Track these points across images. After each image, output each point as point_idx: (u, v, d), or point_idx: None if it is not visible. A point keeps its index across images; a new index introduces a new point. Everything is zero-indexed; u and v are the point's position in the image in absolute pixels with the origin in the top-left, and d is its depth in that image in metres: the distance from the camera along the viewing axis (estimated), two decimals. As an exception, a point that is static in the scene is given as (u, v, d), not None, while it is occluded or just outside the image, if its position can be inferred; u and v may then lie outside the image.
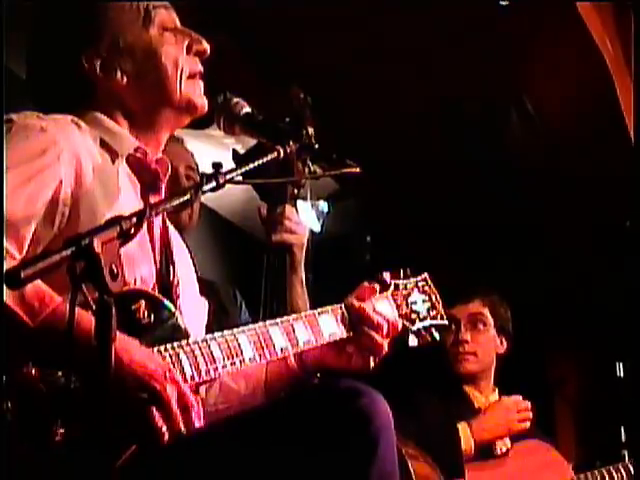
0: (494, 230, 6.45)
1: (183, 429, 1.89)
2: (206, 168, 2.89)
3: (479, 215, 6.33)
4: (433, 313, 2.60)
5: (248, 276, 3.19)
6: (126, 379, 1.83)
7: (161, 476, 1.91)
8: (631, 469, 4.15)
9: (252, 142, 2.78)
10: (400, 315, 2.52)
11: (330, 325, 2.35)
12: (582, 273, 6.84)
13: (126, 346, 1.86)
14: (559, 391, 7.99)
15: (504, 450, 4.15)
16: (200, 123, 2.36)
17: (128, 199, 2.15)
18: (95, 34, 2.25)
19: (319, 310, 2.37)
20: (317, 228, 6.03)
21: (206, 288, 2.47)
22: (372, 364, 2.39)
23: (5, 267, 1.71)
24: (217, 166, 2.68)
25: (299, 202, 3.20)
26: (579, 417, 7.56)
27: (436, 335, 2.59)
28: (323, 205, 6.09)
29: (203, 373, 2.04)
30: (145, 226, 2.08)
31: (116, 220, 1.70)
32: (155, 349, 1.98)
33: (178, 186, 2.91)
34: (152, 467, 1.89)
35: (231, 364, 2.10)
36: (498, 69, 4.95)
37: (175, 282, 2.25)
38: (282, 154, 2.14)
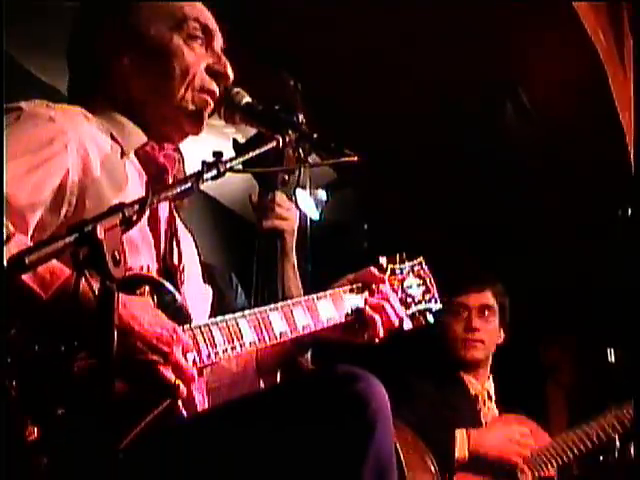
0: (491, 218, 6.45)
1: (196, 381, 1.92)
2: (207, 157, 2.88)
3: (476, 204, 6.34)
4: (428, 297, 2.62)
5: (246, 262, 3.19)
6: (135, 344, 1.84)
7: (163, 458, 1.91)
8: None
9: (252, 131, 2.78)
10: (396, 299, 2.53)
11: (328, 310, 2.36)
12: (576, 261, 6.85)
13: (133, 311, 1.86)
14: (552, 376, 8.01)
15: None
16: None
17: (134, 190, 2.15)
18: (121, 17, 2.28)
19: (318, 295, 2.37)
20: (316, 216, 6.03)
21: (203, 271, 2.46)
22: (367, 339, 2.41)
23: (9, 248, 1.72)
24: (218, 155, 2.67)
25: (298, 190, 3.20)
26: (571, 402, 7.58)
27: (430, 318, 2.60)
28: (322, 193, 6.08)
29: (204, 357, 2.05)
30: (148, 213, 2.09)
31: (119, 207, 1.69)
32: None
33: None
34: (154, 449, 1.89)
35: (232, 348, 2.11)
36: (493, 63, 4.95)
37: (181, 269, 2.25)
38: (281, 143, 2.14)
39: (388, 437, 1.94)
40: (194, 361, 2.03)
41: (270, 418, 1.93)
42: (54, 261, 1.84)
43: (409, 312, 2.56)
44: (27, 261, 1.52)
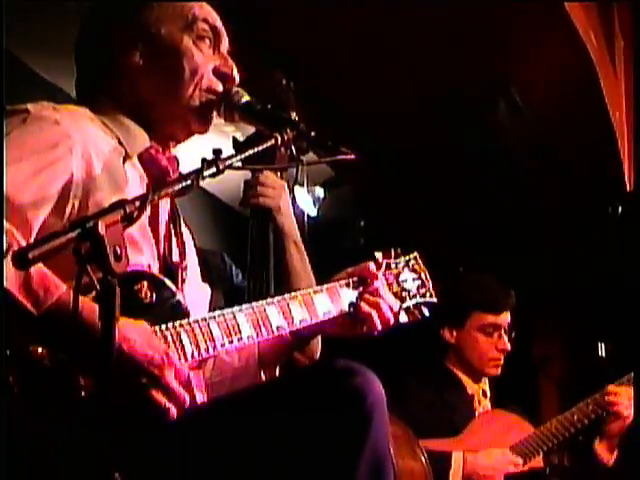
0: (486, 214, 6.46)
1: (186, 403, 1.90)
2: (207, 154, 2.88)
3: (472, 200, 6.34)
4: (423, 291, 2.61)
5: (245, 257, 3.17)
6: (127, 365, 1.83)
7: (165, 452, 1.91)
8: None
9: (252, 130, 2.77)
10: (392, 293, 2.52)
11: (325, 304, 2.36)
12: (568, 258, 6.86)
13: (126, 334, 1.86)
14: (544, 370, 8.02)
15: None
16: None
17: (135, 193, 2.13)
18: (133, 16, 2.26)
19: (314, 289, 2.37)
20: (313, 213, 6.04)
21: (197, 256, 2.46)
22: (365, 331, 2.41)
23: (10, 252, 1.71)
24: (217, 152, 2.67)
25: (296, 188, 3.18)
26: (563, 395, 7.58)
27: (425, 312, 2.60)
28: (319, 191, 6.09)
29: (203, 351, 2.04)
30: (149, 212, 2.09)
31: (120, 204, 1.69)
32: (157, 328, 1.98)
33: None
34: (155, 444, 1.89)
35: (230, 342, 2.10)
36: (487, 63, 4.95)
37: (183, 266, 2.25)
38: (279, 141, 2.13)
39: (384, 430, 1.94)
40: (192, 355, 2.02)
41: (269, 411, 1.93)
42: (49, 274, 1.84)
43: (404, 306, 2.56)
44: (30, 256, 1.52)
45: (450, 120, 5.46)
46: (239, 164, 2.04)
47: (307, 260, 3.04)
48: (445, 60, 4.89)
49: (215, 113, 2.29)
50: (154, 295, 2.02)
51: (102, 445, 1.64)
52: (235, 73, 2.30)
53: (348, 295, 2.41)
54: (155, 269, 2.15)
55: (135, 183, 2.16)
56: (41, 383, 1.79)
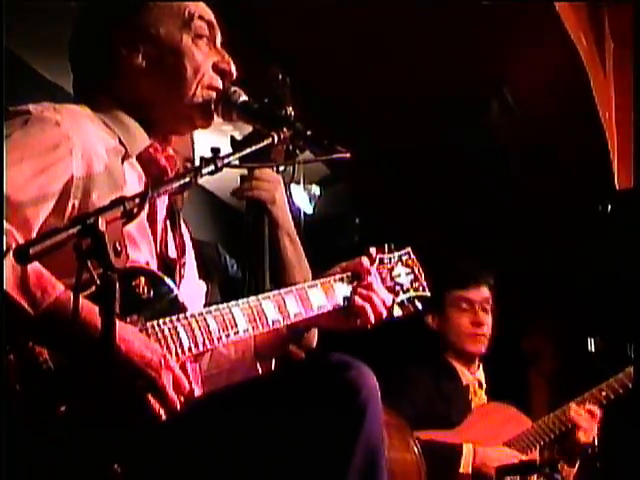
0: (477, 211, 6.47)
1: (178, 409, 1.91)
2: (205, 153, 2.88)
3: (464, 197, 6.35)
4: (416, 285, 2.62)
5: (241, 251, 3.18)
6: (124, 367, 1.84)
7: (161, 445, 1.91)
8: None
9: (249, 128, 2.78)
10: (385, 288, 2.53)
11: (319, 298, 2.36)
12: (558, 252, 6.87)
13: (124, 335, 1.86)
14: (534, 365, 8.03)
15: None
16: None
17: (134, 192, 2.13)
18: (133, 17, 2.24)
19: (309, 284, 2.38)
20: (309, 210, 6.05)
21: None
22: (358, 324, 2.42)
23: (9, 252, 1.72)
24: (215, 151, 2.67)
25: (292, 185, 3.18)
26: (553, 389, 7.59)
27: (419, 306, 2.61)
28: (315, 189, 6.10)
29: (200, 345, 2.05)
30: (147, 210, 2.09)
31: (120, 200, 1.70)
32: (154, 322, 1.99)
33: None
34: (152, 436, 1.90)
35: (226, 336, 2.11)
36: (480, 63, 4.95)
37: (181, 263, 2.26)
38: (276, 140, 2.14)
39: (378, 423, 1.94)
40: (190, 349, 2.03)
41: (265, 404, 1.93)
42: (47, 275, 1.85)
43: (398, 300, 2.56)
44: (31, 251, 1.52)
45: (444, 120, 5.46)
46: (237, 162, 2.04)
47: (302, 252, 3.05)
48: (439, 60, 4.90)
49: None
50: (152, 291, 2.03)
51: (101, 439, 1.64)
52: (233, 68, 2.30)
53: (342, 289, 2.42)
54: (153, 266, 2.14)
55: (134, 183, 2.15)
56: (42, 381, 1.79)
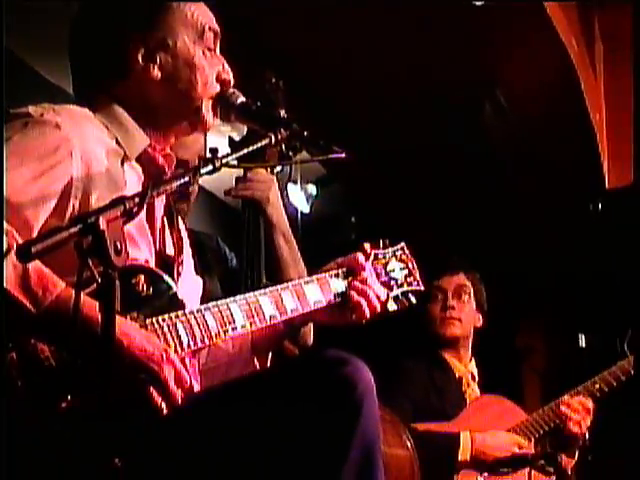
0: (472, 208, 6.47)
1: (180, 403, 1.91)
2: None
3: (459, 196, 6.35)
4: (410, 279, 2.62)
5: (239, 250, 3.18)
6: (126, 361, 1.84)
7: (160, 439, 1.91)
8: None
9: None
10: (380, 282, 2.53)
11: (315, 294, 2.36)
12: (550, 250, 6.88)
13: (126, 330, 1.86)
14: (527, 360, 8.04)
15: None
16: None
17: (133, 192, 2.13)
18: (152, 24, 2.21)
19: (305, 279, 2.38)
20: (306, 210, 6.05)
21: (191, 239, 2.46)
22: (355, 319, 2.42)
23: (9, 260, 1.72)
24: (214, 151, 2.67)
25: (289, 185, 3.19)
26: (545, 385, 7.60)
27: (413, 300, 2.61)
28: (312, 188, 6.10)
29: (199, 341, 2.05)
30: (146, 209, 2.08)
31: (120, 200, 1.70)
32: (154, 319, 1.99)
33: None
34: (151, 431, 1.89)
35: (224, 332, 2.11)
36: (473, 65, 4.96)
37: (179, 260, 2.25)
38: (274, 140, 2.14)
39: (374, 419, 1.94)
40: (188, 345, 2.03)
41: (261, 400, 1.93)
42: (48, 273, 1.84)
43: (392, 294, 2.56)
44: (33, 250, 1.52)
45: (439, 120, 5.47)
46: (235, 162, 2.05)
47: (297, 250, 3.06)
48: (433, 62, 4.90)
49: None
50: (151, 288, 2.03)
51: (102, 434, 1.64)
52: (231, 76, 2.29)
53: (338, 285, 2.42)
54: (152, 264, 2.14)
55: (133, 183, 2.15)
56: (44, 378, 1.79)
